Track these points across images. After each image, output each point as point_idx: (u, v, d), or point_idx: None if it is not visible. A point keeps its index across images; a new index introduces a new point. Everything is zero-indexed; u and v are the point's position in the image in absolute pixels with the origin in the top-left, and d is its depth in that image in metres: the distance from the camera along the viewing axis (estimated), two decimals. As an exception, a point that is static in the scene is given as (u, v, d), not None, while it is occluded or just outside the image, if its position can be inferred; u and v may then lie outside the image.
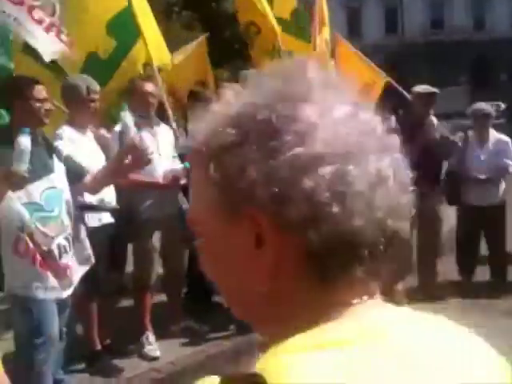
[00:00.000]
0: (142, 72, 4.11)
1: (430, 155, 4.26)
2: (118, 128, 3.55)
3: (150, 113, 3.84)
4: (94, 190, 3.18)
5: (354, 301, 0.58)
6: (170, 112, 4.10)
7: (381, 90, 5.50)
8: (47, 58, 3.41)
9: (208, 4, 14.65)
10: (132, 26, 3.97)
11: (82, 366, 3.59)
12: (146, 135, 3.74)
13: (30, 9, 3.25)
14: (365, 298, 0.59)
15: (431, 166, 4.37)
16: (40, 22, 3.27)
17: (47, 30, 3.30)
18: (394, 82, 5.49)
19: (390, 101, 5.15)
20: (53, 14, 3.38)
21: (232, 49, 13.01)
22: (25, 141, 2.51)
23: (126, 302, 4.10)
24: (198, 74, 5.62)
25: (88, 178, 3.11)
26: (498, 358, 0.61)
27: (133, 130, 3.12)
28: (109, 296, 3.77)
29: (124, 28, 4.00)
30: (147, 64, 4.09)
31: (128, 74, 4.06)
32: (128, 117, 3.11)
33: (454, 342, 0.59)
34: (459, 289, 4.69)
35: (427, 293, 4.51)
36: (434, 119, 4.25)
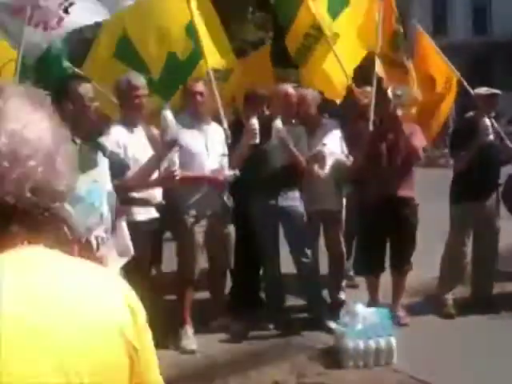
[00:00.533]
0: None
1: (483, 161, 4.08)
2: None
3: (198, 112, 3.92)
4: (136, 186, 3.29)
5: (17, 246, 0.82)
6: (221, 112, 4.17)
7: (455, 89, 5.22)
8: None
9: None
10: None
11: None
12: (194, 133, 3.86)
13: None
14: (25, 244, 0.83)
15: (486, 173, 4.17)
16: None
17: None
18: (464, 82, 5.22)
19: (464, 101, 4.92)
20: None
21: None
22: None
23: (171, 296, 4.20)
24: (259, 79, 5.65)
25: (131, 174, 3.23)
26: (123, 297, 0.88)
27: (174, 128, 3.19)
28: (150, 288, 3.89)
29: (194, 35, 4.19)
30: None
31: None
32: (168, 115, 3.18)
33: (86, 281, 0.88)
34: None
35: (480, 305, 4.33)
36: (488, 122, 4.02)
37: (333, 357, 3.65)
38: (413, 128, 4.20)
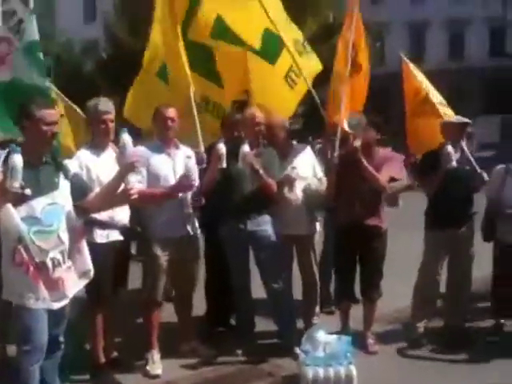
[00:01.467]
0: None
1: (452, 187, 4.09)
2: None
3: (167, 136, 3.96)
4: (98, 208, 3.34)
5: None
6: (199, 135, 4.24)
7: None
8: None
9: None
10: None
11: (87, 377, 3.75)
12: (162, 157, 3.92)
13: None
14: None
15: (456, 200, 4.17)
16: None
17: None
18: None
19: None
20: None
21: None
22: (17, 158, 2.72)
23: (138, 319, 4.23)
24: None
25: (91, 196, 3.29)
26: None
27: (130, 148, 3.25)
28: (114, 311, 3.92)
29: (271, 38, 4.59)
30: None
31: (278, 75, 4.67)
32: (126, 137, 3.24)
33: None
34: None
35: (452, 335, 4.28)
36: (450, 148, 4.02)
37: (294, 384, 3.64)
38: (385, 156, 4.22)
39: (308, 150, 4.59)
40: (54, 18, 23.74)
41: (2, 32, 4.22)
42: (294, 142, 4.82)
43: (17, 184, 2.74)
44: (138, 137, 4.54)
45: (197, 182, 3.92)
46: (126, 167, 3.20)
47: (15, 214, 2.92)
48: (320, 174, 4.47)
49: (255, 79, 4.74)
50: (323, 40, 12.28)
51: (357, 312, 4.38)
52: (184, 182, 3.76)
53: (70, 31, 18.64)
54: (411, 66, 5.13)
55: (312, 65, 4.90)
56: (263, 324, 4.43)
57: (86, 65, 16.82)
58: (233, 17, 4.57)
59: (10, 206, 2.88)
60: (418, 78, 5.02)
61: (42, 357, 3.03)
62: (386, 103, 18.36)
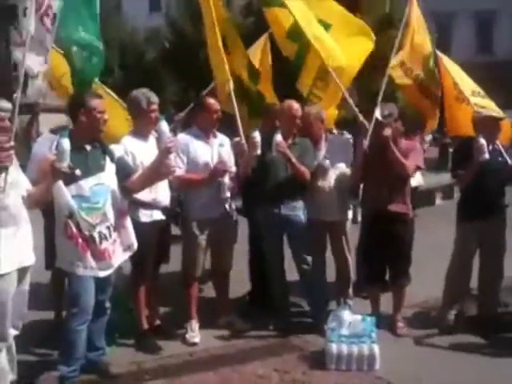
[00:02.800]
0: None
1: (484, 179, 4.15)
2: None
3: (209, 126, 4.26)
4: (140, 187, 3.69)
5: None
6: (239, 125, 4.51)
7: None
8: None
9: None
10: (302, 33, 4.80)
11: (131, 341, 4.13)
12: (201, 144, 4.22)
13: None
14: None
15: (488, 192, 4.22)
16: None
17: None
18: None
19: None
20: None
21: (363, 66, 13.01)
22: (65, 142, 3.08)
23: (180, 292, 4.57)
24: None
25: (134, 177, 3.64)
26: None
27: (167, 135, 3.57)
28: (158, 284, 4.27)
29: (300, 34, 4.81)
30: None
31: (311, 72, 4.88)
32: (164, 125, 3.57)
33: None
34: None
35: (483, 324, 4.35)
36: (482, 141, 4.06)
37: (320, 359, 3.86)
38: (409, 146, 4.35)
39: (344, 139, 4.75)
40: (121, 7, 24.58)
41: None
42: (334, 131, 4.99)
43: (65, 164, 3.10)
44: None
45: (233, 169, 4.20)
46: (163, 152, 3.52)
47: (66, 192, 3.30)
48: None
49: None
50: (379, 31, 12.19)
51: (389, 297, 4.55)
52: (218, 168, 4.04)
53: (136, 20, 19.30)
54: (444, 59, 5.17)
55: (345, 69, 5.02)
56: (297, 304, 4.67)
57: (149, 53, 17.40)
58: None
59: (61, 184, 3.26)
60: (451, 71, 5.07)
61: (89, 319, 3.42)
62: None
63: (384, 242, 4.28)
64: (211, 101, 4.28)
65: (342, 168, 4.53)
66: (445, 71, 5.12)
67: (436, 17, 26.69)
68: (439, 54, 5.23)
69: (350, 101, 4.87)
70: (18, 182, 3.10)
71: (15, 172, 3.05)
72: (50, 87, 4.71)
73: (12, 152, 2.85)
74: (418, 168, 4.32)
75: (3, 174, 2.89)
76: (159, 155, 3.56)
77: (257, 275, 4.88)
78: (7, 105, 3.04)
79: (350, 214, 4.79)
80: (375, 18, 13.50)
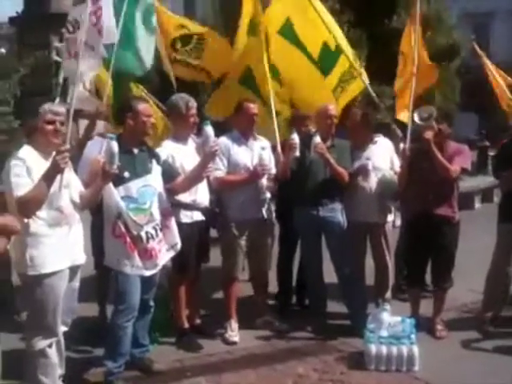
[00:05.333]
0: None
1: None
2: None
3: (249, 129, 4.36)
4: (183, 189, 3.81)
5: None
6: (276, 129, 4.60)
7: None
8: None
9: (380, 21, 14.74)
10: (331, 53, 4.88)
11: (172, 339, 4.24)
12: (241, 148, 4.31)
13: None
14: None
15: None
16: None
17: None
18: None
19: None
20: None
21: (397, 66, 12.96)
22: (114, 145, 3.21)
23: (219, 292, 4.66)
24: None
25: (178, 179, 3.76)
26: None
27: (212, 139, 3.68)
28: (198, 284, 4.38)
29: (327, 57, 4.90)
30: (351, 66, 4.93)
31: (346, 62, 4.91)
32: (209, 130, 3.68)
33: None
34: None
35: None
36: None
37: (358, 359, 3.89)
38: (457, 148, 4.33)
39: (388, 142, 4.77)
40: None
41: None
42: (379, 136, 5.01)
43: (114, 167, 3.23)
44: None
45: (273, 171, 4.29)
46: (208, 155, 3.62)
47: (115, 193, 3.44)
48: (398, 167, 4.64)
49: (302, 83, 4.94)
50: (385, 42, 12.22)
51: (429, 300, 4.55)
52: (257, 170, 4.13)
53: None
54: (484, 59, 5.15)
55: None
56: (335, 306, 4.71)
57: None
58: (299, 23, 4.84)
59: (111, 186, 3.40)
60: (490, 72, 5.05)
61: (135, 316, 3.55)
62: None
63: (427, 245, 4.27)
64: (248, 104, 4.37)
65: (385, 170, 4.55)
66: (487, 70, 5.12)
67: (473, 18, 26.27)
68: (480, 52, 5.22)
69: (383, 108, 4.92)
70: (71, 184, 3.25)
71: (69, 174, 3.20)
72: (94, 93, 4.87)
73: (67, 155, 3.00)
74: (464, 170, 4.27)
75: (59, 176, 3.04)
76: (204, 158, 3.67)
77: (286, 277, 4.94)
78: (62, 109, 3.20)
79: (391, 217, 4.79)
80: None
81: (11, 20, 20.11)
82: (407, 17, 14.95)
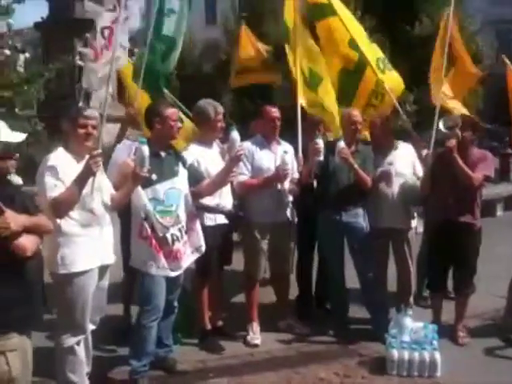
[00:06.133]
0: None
1: None
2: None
3: (272, 134, 4.42)
4: (208, 193, 3.88)
5: None
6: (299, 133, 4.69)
7: None
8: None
9: (402, 28, 14.73)
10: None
11: (195, 341, 4.30)
12: (264, 152, 4.37)
13: None
14: None
15: None
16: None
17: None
18: None
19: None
20: None
21: (420, 72, 12.93)
22: (144, 149, 3.29)
23: (241, 295, 4.71)
24: None
25: (204, 183, 3.83)
26: None
27: (238, 144, 3.75)
28: (220, 286, 4.43)
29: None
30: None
31: (372, 77, 5.09)
32: (235, 135, 3.74)
33: None
34: None
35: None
36: None
37: (380, 364, 3.91)
38: (481, 155, 4.33)
39: (410, 148, 4.79)
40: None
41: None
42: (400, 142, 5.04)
43: (145, 169, 3.31)
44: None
45: (296, 175, 4.34)
46: (234, 159, 3.69)
47: (143, 195, 3.51)
48: (420, 172, 4.66)
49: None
50: (406, 48, 12.31)
51: (451, 306, 4.54)
52: (279, 172, 4.18)
53: (193, 33, 19.87)
54: (509, 66, 5.14)
55: (395, 80, 5.16)
56: (356, 311, 4.72)
57: (205, 66, 17.88)
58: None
59: (139, 188, 3.48)
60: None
61: (160, 317, 3.61)
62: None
63: (449, 252, 4.28)
64: (269, 108, 4.44)
65: (407, 176, 4.57)
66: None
67: (496, 25, 26.04)
68: (507, 61, 5.21)
69: (403, 114, 4.96)
70: (103, 187, 3.33)
71: (100, 177, 3.29)
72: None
73: (100, 159, 3.08)
74: (487, 178, 4.27)
75: (91, 179, 3.13)
76: (230, 163, 3.74)
77: (306, 281, 4.97)
78: (94, 113, 3.28)
79: (414, 223, 4.80)
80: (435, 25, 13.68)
81: (36, 25, 20.50)
82: (430, 24, 14.98)
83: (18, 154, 2.61)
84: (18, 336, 2.39)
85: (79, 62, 19.23)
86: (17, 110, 11.47)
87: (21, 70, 14.82)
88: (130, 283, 4.18)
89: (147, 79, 4.37)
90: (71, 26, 19.25)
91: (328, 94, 5.05)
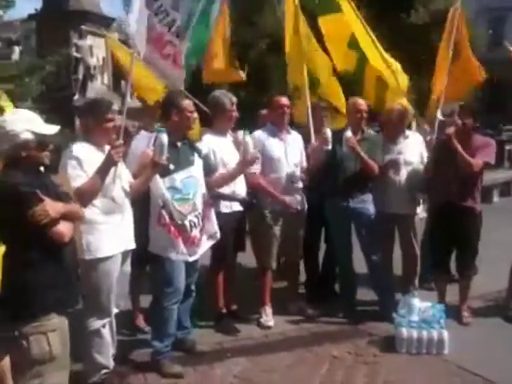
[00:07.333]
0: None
1: None
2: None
3: (281, 122, 4.54)
4: (219, 185, 4.05)
5: None
6: (310, 122, 4.83)
7: None
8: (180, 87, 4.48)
9: (397, 16, 14.84)
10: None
11: (211, 323, 4.46)
12: (275, 141, 4.51)
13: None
14: None
15: None
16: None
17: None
18: None
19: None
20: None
21: (418, 61, 13.03)
22: (164, 138, 3.42)
23: (255, 280, 4.86)
24: None
25: (217, 176, 3.97)
26: None
27: (251, 149, 3.96)
28: (235, 271, 4.58)
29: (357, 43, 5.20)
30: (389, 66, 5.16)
31: (373, 77, 5.22)
32: (248, 138, 3.97)
33: None
34: None
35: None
36: None
37: (389, 343, 4.08)
38: (482, 142, 4.49)
39: (418, 137, 4.94)
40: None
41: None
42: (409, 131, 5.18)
43: (163, 158, 3.44)
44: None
45: (304, 163, 4.48)
46: (246, 163, 3.93)
47: (161, 184, 3.64)
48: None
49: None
50: (435, 28, 12.29)
51: (454, 288, 4.72)
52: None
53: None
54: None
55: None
56: (364, 294, 4.89)
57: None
58: None
59: (158, 177, 3.61)
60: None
61: (180, 299, 3.75)
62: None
63: (451, 235, 4.45)
64: (279, 97, 4.56)
65: (415, 164, 4.73)
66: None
67: (489, 13, 26.17)
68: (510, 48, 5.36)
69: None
70: (122, 175, 3.46)
71: (120, 166, 3.42)
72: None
73: (121, 149, 3.21)
74: (487, 164, 4.43)
75: (113, 169, 3.25)
76: (241, 166, 3.95)
77: (313, 265, 5.13)
78: (115, 105, 3.39)
79: (419, 209, 4.97)
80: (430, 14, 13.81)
81: (30, 17, 20.37)
82: (425, 12, 15.09)
83: (51, 146, 2.71)
84: (58, 317, 2.52)
85: (75, 54, 19.17)
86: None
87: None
88: (138, 274, 4.21)
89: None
90: (66, 18, 19.13)
91: (329, 88, 5.21)
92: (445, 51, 5.11)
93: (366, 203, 4.59)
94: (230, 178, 4.04)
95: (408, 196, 4.76)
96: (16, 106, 4.69)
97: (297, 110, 5.14)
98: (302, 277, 5.11)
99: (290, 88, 5.31)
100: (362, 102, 4.64)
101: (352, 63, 5.30)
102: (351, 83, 5.44)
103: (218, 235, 3.97)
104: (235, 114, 4.27)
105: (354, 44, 5.22)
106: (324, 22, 5.39)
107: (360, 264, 4.75)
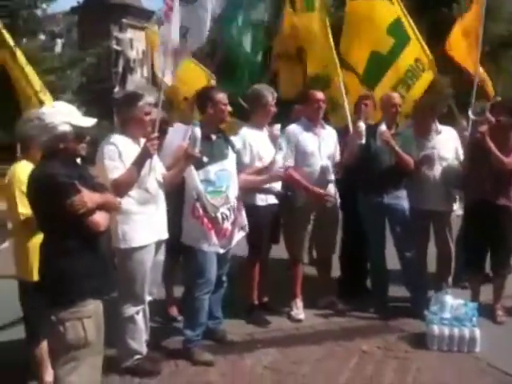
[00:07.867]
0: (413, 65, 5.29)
1: None
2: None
3: (316, 116, 4.54)
4: (242, 185, 4.05)
5: None
6: (349, 118, 4.86)
7: None
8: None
9: (439, 9, 14.51)
10: (404, 30, 5.29)
11: (242, 314, 4.52)
12: (309, 135, 4.52)
13: None
14: None
15: None
16: None
17: None
18: None
19: None
20: None
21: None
22: (197, 131, 3.48)
23: (286, 273, 4.90)
24: None
25: (243, 176, 4.03)
26: None
27: (280, 166, 4.08)
28: (268, 264, 4.63)
29: (399, 31, 5.28)
30: (417, 60, 5.28)
31: (403, 67, 5.29)
32: (278, 157, 4.05)
33: None
34: None
35: None
36: None
37: (420, 340, 4.06)
38: None
39: (453, 132, 4.87)
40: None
41: None
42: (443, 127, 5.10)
43: (197, 150, 3.51)
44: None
45: (337, 158, 4.48)
46: (275, 178, 4.11)
47: (196, 176, 3.71)
48: (462, 156, 4.74)
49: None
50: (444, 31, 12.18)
51: (488, 287, 4.65)
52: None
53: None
54: None
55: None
56: (396, 290, 4.85)
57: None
58: None
59: (193, 169, 3.68)
60: None
61: (212, 289, 3.82)
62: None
63: (486, 233, 4.38)
64: (313, 92, 4.56)
65: (449, 160, 4.66)
66: None
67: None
68: None
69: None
70: (156, 167, 3.55)
71: (155, 158, 3.50)
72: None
73: (156, 142, 3.28)
74: None
75: (148, 161, 3.34)
76: (269, 179, 4.07)
77: (348, 262, 5.10)
78: (152, 99, 3.47)
79: (456, 206, 4.90)
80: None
81: (73, 10, 20.83)
82: (466, 5, 14.71)
83: (88, 137, 2.79)
84: (93, 303, 2.62)
85: (116, 47, 19.48)
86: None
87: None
88: (172, 264, 4.30)
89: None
90: (107, 11, 19.50)
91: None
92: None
93: (400, 199, 4.55)
94: (252, 184, 4.10)
95: (444, 192, 4.70)
96: (56, 98, 4.84)
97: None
98: (335, 272, 5.13)
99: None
100: (396, 96, 4.60)
101: (385, 48, 5.30)
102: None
103: (247, 228, 4.02)
104: (274, 108, 4.31)
105: (394, 31, 5.27)
106: (357, 5, 5.47)
107: (392, 261, 4.73)
